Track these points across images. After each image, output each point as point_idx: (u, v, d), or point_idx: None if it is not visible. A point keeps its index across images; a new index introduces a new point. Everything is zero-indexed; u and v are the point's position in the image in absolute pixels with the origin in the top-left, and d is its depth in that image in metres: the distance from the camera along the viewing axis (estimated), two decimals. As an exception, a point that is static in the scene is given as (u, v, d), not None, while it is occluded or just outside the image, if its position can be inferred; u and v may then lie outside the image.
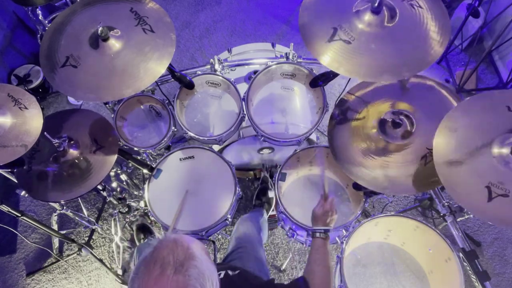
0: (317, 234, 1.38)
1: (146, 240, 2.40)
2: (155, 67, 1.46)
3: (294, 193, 1.96)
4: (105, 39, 1.45)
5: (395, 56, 1.33)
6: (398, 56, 1.33)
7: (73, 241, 2.31)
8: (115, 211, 2.42)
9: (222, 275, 1.15)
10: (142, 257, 0.83)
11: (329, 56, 1.37)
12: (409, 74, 1.34)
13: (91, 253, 2.32)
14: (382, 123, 1.57)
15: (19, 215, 1.82)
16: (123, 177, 2.31)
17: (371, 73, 1.34)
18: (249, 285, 1.16)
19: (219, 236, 2.58)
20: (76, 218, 2.36)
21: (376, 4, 1.31)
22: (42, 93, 3.12)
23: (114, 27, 1.48)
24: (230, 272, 1.17)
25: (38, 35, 3.10)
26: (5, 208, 1.74)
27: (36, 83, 3.01)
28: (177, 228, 1.72)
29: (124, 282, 2.43)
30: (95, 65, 1.46)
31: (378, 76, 1.34)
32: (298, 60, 1.98)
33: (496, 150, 1.28)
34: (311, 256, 1.33)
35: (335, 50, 1.37)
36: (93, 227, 2.47)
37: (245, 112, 1.83)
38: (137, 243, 2.51)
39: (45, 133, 1.50)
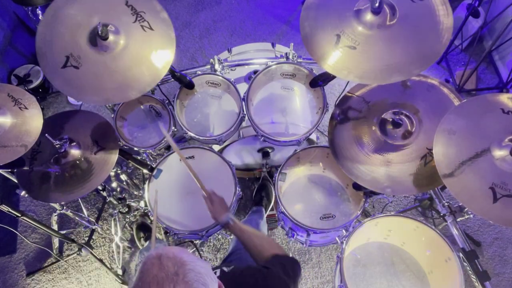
0: (231, 222, 1.42)
1: (148, 243, 2.40)
2: (155, 67, 1.46)
3: (294, 193, 1.96)
4: (105, 38, 1.44)
5: (402, 55, 1.32)
6: (405, 54, 1.32)
7: (73, 241, 2.31)
8: (115, 211, 2.42)
9: (218, 273, 1.16)
10: (133, 285, 0.80)
11: (336, 64, 1.36)
12: (419, 71, 1.31)
13: (91, 253, 2.32)
14: (382, 123, 1.57)
15: (19, 215, 1.82)
16: (123, 177, 2.31)
17: (381, 76, 1.33)
18: (242, 276, 1.17)
19: (219, 236, 2.58)
20: (76, 218, 2.36)
21: (376, 4, 1.31)
22: (42, 93, 3.12)
23: (108, 23, 1.44)
24: (225, 269, 1.18)
25: (38, 35, 3.11)
26: (5, 208, 1.74)
27: (36, 83, 3.01)
28: (173, 227, 1.73)
29: (124, 282, 2.43)
30: (96, 66, 1.45)
31: (388, 78, 1.32)
32: (298, 60, 1.98)
33: (495, 152, 1.28)
34: (245, 241, 1.37)
35: (342, 57, 1.36)
36: (93, 227, 2.47)
37: (245, 112, 1.83)
38: (137, 243, 2.51)
39: (46, 134, 1.49)
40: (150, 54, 1.46)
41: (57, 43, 1.45)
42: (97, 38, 1.43)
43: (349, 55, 1.35)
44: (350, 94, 1.69)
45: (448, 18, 1.31)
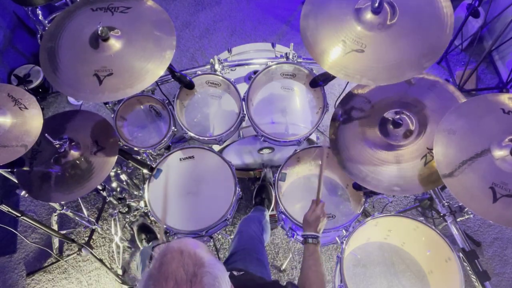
0: (310, 240, 1.39)
1: (151, 244, 2.39)
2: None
3: (294, 193, 1.96)
4: (106, 39, 1.45)
5: (411, 49, 1.31)
6: (413, 48, 1.31)
7: (73, 241, 2.31)
8: (115, 211, 2.42)
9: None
10: (147, 273, 0.77)
11: (348, 70, 1.34)
12: (430, 63, 1.28)
13: (91, 253, 2.32)
14: (383, 123, 1.56)
15: (19, 215, 1.82)
16: (123, 177, 2.31)
17: (394, 75, 1.31)
18: (255, 284, 1.16)
19: (219, 236, 2.58)
20: (76, 218, 2.36)
21: (376, 4, 1.30)
22: (42, 93, 3.12)
23: (114, 27, 1.48)
24: (235, 273, 1.17)
25: (38, 35, 3.11)
26: (5, 208, 1.74)
27: (36, 83, 3.01)
28: (173, 227, 1.73)
29: (124, 282, 2.43)
30: (125, 60, 1.48)
31: (401, 76, 1.30)
32: (298, 60, 1.98)
33: (495, 152, 1.28)
34: (305, 262, 1.33)
35: (352, 62, 1.34)
36: (93, 227, 2.47)
37: (245, 112, 1.83)
38: (139, 244, 2.51)
39: (46, 134, 1.50)
40: (148, 24, 1.52)
41: (81, 75, 1.47)
42: (99, 40, 1.45)
43: (358, 59, 1.33)
44: (352, 94, 1.68)
45: (448, 8, 1.31)
